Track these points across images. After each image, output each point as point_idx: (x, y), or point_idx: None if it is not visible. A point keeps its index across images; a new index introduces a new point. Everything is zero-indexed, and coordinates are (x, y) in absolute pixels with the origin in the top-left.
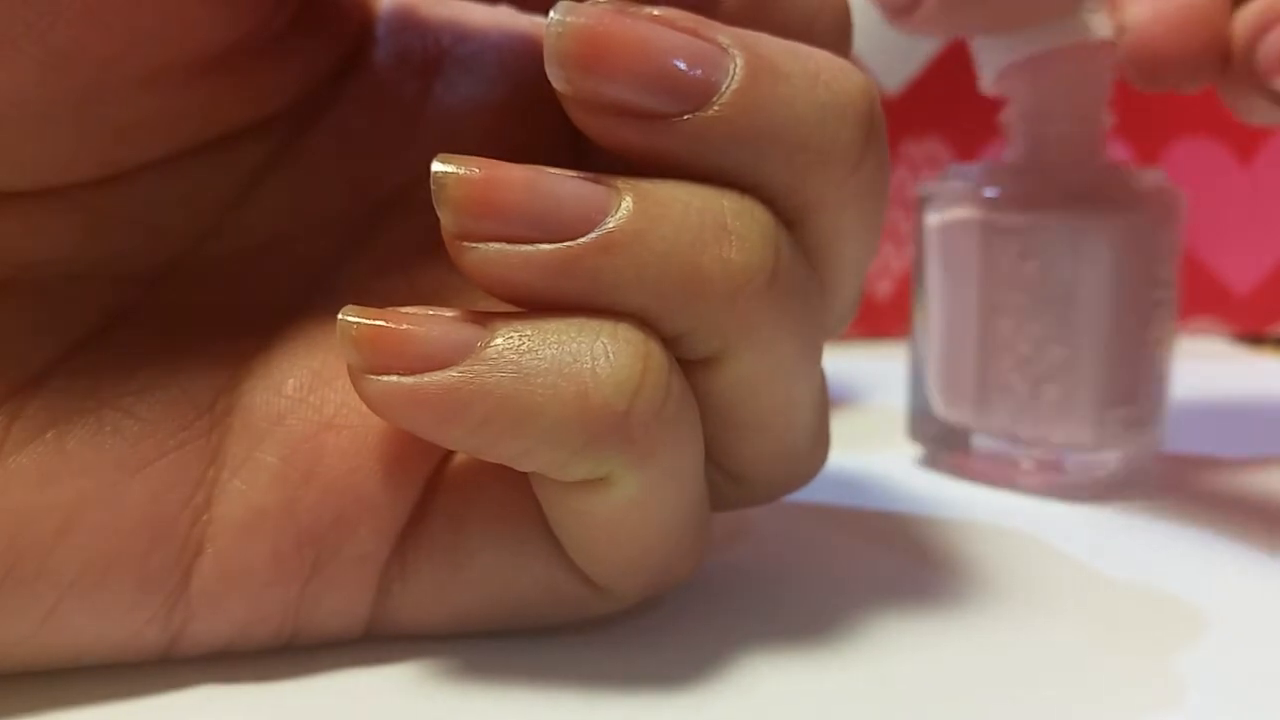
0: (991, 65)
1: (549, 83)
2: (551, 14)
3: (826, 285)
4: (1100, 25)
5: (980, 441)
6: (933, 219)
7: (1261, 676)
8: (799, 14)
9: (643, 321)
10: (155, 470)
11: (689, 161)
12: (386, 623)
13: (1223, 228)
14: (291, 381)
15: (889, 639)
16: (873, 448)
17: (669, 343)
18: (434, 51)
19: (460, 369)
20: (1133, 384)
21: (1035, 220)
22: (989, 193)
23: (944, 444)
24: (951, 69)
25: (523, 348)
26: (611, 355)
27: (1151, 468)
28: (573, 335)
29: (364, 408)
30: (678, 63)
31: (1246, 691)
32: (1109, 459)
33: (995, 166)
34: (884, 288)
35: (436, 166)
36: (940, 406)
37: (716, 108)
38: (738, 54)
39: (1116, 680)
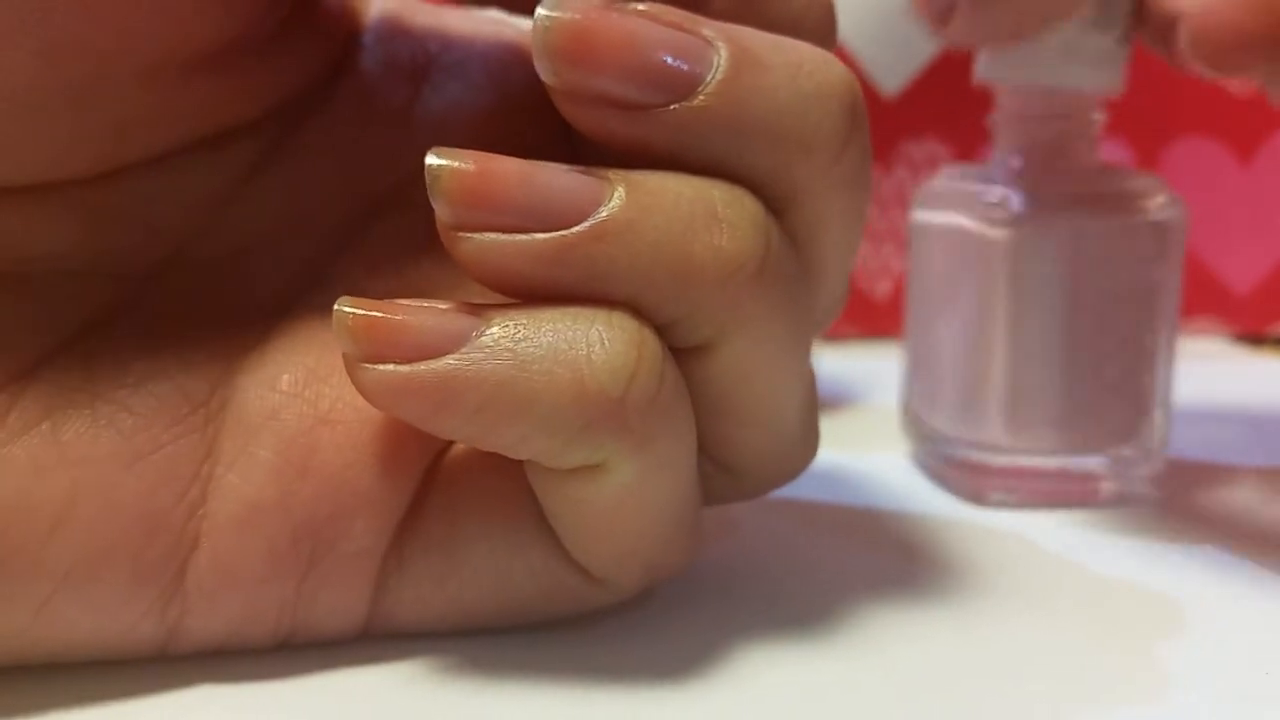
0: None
1: (537, 89)
2: (539, 9)
3: (813, 274)
4: (1110, 80)
5: (966, 449)
6: (920, 220)
7: (1243, 672)
8: (785, 13)
9: (636, 309)
10: (150, 464)
11: (675, 152)
12: (384, 619)
13: (1223, 228)
14: (286, 377)
15: (882, 634)
16: (870, 447)
17: (661, 330)
18: (421, 59)
19: (456, 357)
20: (1129, 391)
21: (1027, 223)
22: (979, 195)
23: (933, 450)
24: (951, 69)
25: (518, 335)
26: (606, 342)
27: (1149, 472)
28: (567, 323)
29: (359, 403)
30: (663, 55)
31: (1229, 686)
32: (1102, 464)
33: (985, 168)
34: (884, 288)
35: (431, 159)
36: (928, 411)
37: (701, 98)
38: (721, 46)
39: (1104, 674)
